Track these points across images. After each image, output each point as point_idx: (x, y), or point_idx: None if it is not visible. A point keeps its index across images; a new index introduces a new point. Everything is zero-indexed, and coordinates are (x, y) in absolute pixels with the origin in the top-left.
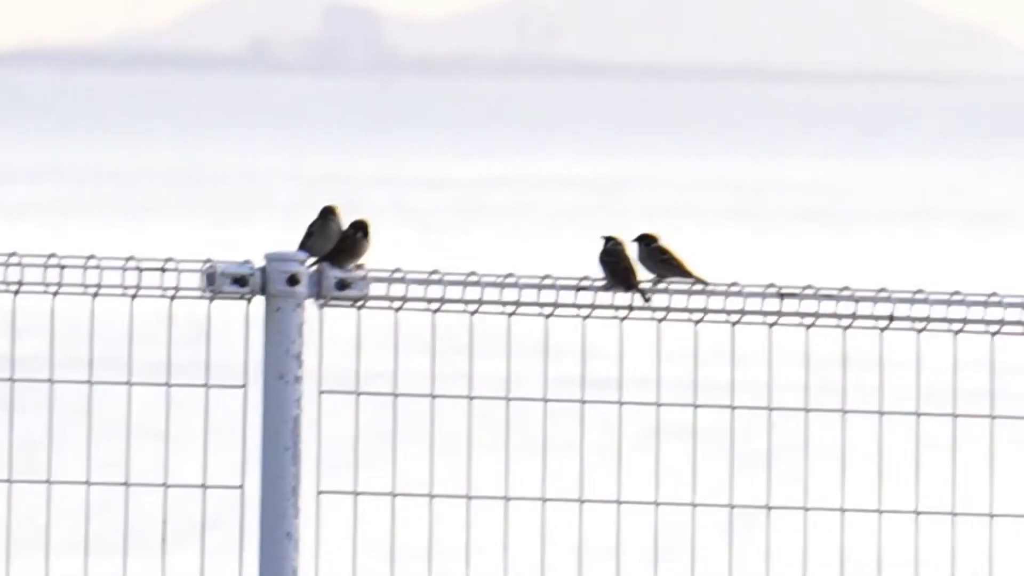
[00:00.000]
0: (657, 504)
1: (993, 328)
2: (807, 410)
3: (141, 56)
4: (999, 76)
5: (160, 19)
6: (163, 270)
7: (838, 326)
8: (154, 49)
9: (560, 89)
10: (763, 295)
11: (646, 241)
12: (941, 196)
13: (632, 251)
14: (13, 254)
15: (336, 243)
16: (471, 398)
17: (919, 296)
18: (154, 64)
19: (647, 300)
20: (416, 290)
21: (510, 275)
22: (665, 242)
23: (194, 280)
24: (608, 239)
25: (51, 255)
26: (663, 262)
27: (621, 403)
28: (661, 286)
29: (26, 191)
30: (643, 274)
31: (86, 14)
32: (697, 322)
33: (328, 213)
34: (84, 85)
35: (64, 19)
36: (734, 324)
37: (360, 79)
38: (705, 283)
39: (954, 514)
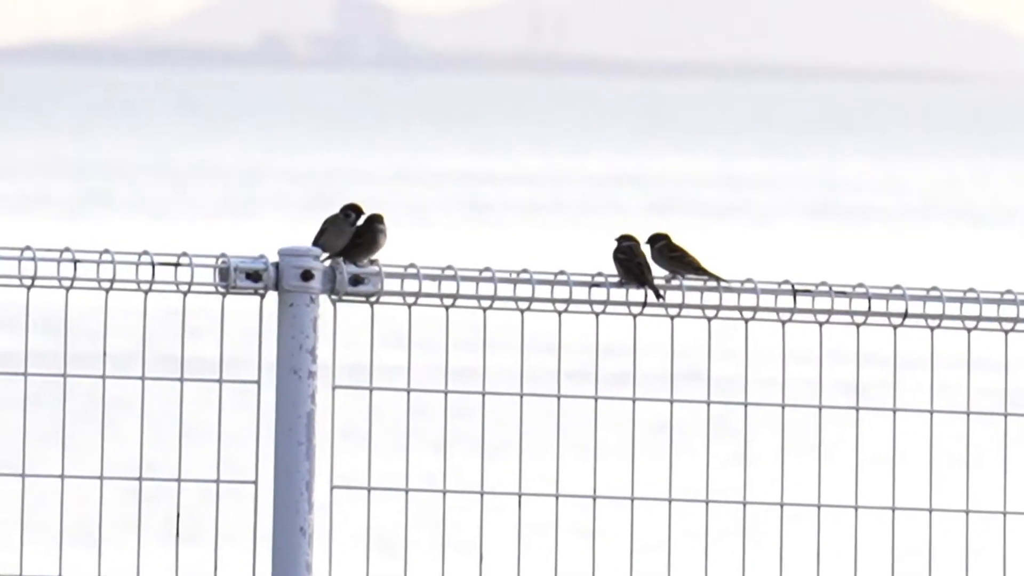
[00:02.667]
0: (671, 500)
1: (1007, 325)
2: (820, 407)
3: (153, 51)
4: (1008, 73)
5: (172, 14)
6: (177, 265)
7: (852, 323)
8: (166, 44)
9: (573, 85)
10: (777, 292)
11: (658, 240)
12: (954, 194)
13: (646, 250)
14: (27, 248)
15: (352, 238)
16: (484, 394)
17: (933, 293)
18: (166, 59)
19: (660, 297)
20: (430, 286)
21: (524, 271)
22: (677, 240)
23: (208, 275)
24: (623, 237)
25: (65, 249)
26: (674, 259)
27: (635, 399)
28: (675, 283)
29: (39, 186)
30: (657, 272)
31: (98, 9)
32: (711, 319)
33: (348, 211)
34: (96, 80)
35: (75, 14)
36: (748, 321)
37: (373, 74)
38: (719, 280)
39: (968, 511)
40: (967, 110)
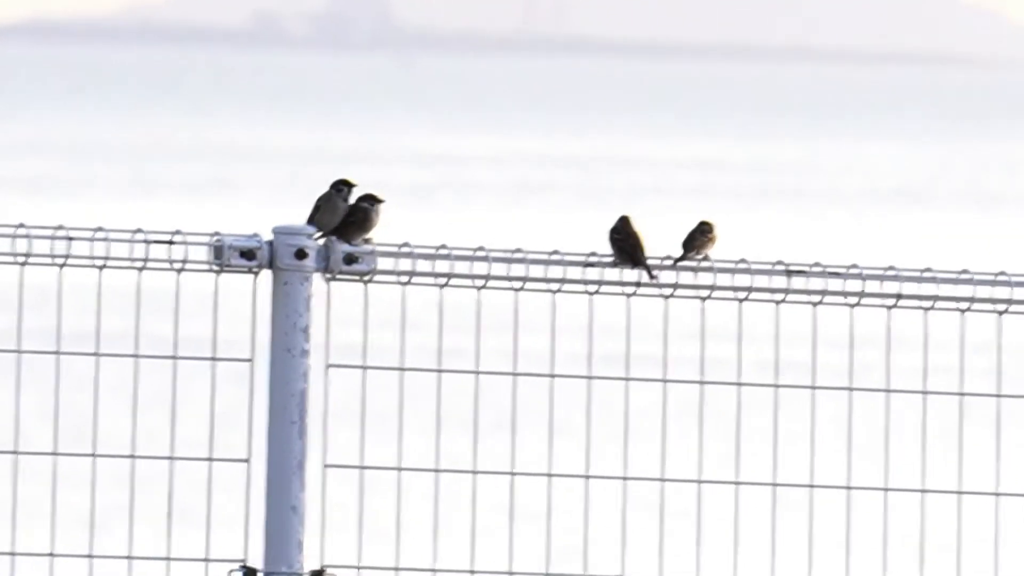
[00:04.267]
0: (664, 480)
1: (1001, 307)
2: (814, 388)
3: (146, 30)
4: (1005, 58)
5: None
6: (171, 243)
7: (846, 304)
8: (159, 22)
9: (567, 66)
10: (771, 272)
11: (701, 228)
12: (949, 176)
13: (640, 229)
14: (20, 226)
15: (345, 217)
16: (478, 373)
17: (927, 275)
18: (159, 38)
19: (653, 277)
20: (424, 265)
21: (518, 250)
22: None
23: (202, 253)
24: (620, 219)
25: (59, 227)
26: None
27: (628, 379)
28: (667, 263)
29: (33, 164)
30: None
31: None
32: (704, 299)
33: (339, 186)
34: (89, 58)
35: None
36: (742, 301)
37: (366, 54)
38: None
39: (960, 493)
40: (963, 94)
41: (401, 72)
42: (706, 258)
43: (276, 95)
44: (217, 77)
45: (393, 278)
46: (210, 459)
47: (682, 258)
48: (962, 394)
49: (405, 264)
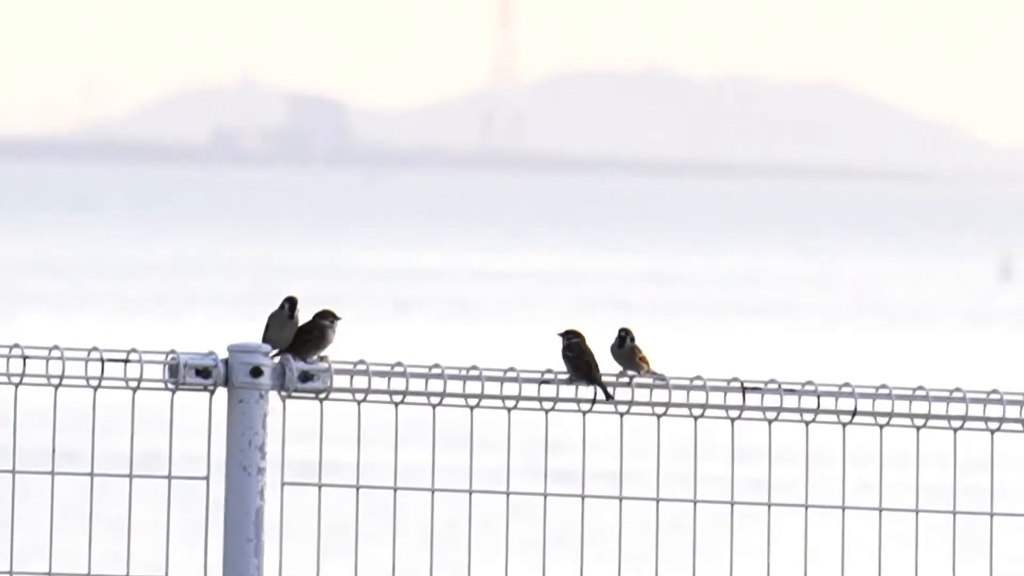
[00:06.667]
0: None
1: (956, 424)
2: (769, 504)
3: (105, 147)
4: (964, 171)
5: (123, 109)
6: (126, 361)
7: (801, 420)
8: (118, 139)
9: (525, 183)
10: (726, 389)
11: (625, 337)
12: (903, 291)
13: (597, 345)
14: None
15: (300, 334)
16: (433, 491)
17: (882, 391)
18: (118, 155)
19: (609, 397)
20: (379, 382)
21: (473, 368)
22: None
23: (157, 371)
24: (568, 333)
25: (14, 345)
26: (632, 359)
27: (584, 496)
28: (624, 380)
29: None
30: (614, 367)
31: (49, 103)
32: (660, 416)
33: (289, 304)
34: (46, 175)
35: (25, 108)
36: (697, 418)
37: (325, 171)
38: (664, 379)
39: None
40: (924, 208)
41: (362, 187)
42: (662, 376)
43: (234, 211)
44: (176, 194)
45: (349, 396)
46: None
47: (623, 374)
48: (917, 511)
49: (360, 382)
